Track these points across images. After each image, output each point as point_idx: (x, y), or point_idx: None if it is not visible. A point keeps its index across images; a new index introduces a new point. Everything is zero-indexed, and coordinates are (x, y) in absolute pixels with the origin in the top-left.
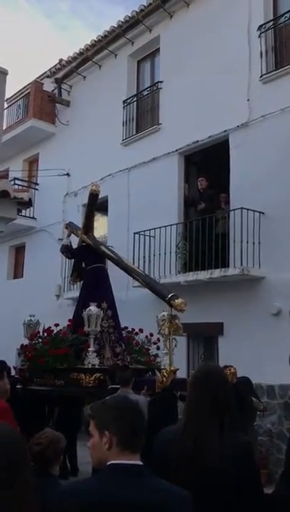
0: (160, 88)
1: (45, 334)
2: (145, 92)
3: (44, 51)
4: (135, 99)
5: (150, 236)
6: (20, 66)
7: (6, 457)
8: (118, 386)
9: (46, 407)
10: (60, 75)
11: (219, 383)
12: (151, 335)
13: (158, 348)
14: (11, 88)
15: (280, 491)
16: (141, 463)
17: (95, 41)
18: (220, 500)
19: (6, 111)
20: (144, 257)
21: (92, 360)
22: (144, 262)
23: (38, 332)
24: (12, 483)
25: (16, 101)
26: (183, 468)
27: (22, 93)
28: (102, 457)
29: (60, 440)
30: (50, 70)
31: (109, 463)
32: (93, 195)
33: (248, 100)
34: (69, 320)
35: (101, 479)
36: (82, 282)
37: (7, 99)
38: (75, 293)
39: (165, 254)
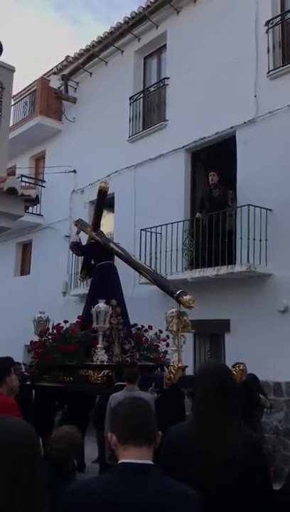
0: (167, 84)
1: (55, 331)
2: (151, 89)
3: (53, 46)
4: (141, 95)
5: (156, 233)
6: (27, 62)
7: (16, 452)
8: (124, 383)
9: (56, 404)
10: (66, 71)
11: (223, 378)
12: (161, 332)
13: (167, 345)
14: (18, 85)
15: (288, 487)
16: (150, 462)
17: (102, 37)
18: (232, 494)
19: (12, 108)
20: (151, 254)
21: (100, 356)
22: (151, 258)
23: (48, 329)
24: (22, 479)
25: (23, 98)
26: (197, 465)
27: (28, 90)
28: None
29: (77, 437)
30: (56, 66)
31: (119, 462)
32: (102, 193)
33: (255, 96)
34: (78, 317)
35: (108, 478)
36: (91, 279)
37: (13, 96)
38: (82, 290)
39: (171, 251)
